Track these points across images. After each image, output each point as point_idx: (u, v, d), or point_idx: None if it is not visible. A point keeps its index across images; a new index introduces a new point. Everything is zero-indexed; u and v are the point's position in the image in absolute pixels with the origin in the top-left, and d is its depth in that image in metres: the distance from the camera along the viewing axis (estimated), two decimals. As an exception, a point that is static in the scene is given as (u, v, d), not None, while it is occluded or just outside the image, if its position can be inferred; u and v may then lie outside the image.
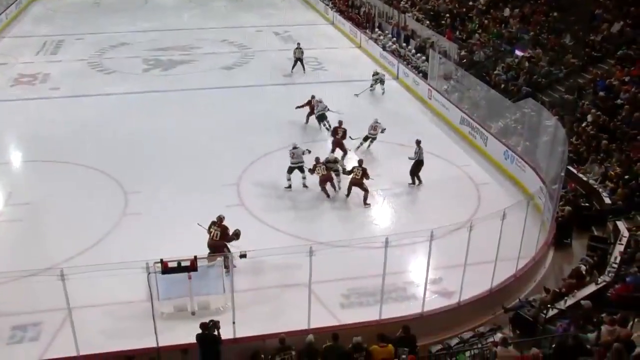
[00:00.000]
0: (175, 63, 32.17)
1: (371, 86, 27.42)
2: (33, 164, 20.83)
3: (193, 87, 28.07)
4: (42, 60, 32.43)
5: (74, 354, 11.66)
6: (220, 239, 14.36)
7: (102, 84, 28.71)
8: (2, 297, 13.00)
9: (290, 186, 18.61)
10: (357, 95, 26.62)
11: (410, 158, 19.05)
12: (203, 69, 31.15)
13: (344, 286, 14.26)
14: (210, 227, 14.58)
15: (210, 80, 29.25)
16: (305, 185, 18.72)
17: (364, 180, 17.81)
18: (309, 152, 18.83)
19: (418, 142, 19.09)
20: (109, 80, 29.43)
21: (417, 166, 19.00)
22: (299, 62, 30.45)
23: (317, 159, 18.26)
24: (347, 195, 18.22)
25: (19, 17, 42.28)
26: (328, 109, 23.00)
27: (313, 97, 23.74)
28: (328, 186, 18.24)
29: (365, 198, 17.91)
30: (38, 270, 12.72)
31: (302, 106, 23.64)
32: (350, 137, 21.13)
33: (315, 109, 23.25)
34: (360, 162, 18.35)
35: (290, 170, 18.58)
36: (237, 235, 14.54)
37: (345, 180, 18.33)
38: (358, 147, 21.54)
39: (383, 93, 27.47)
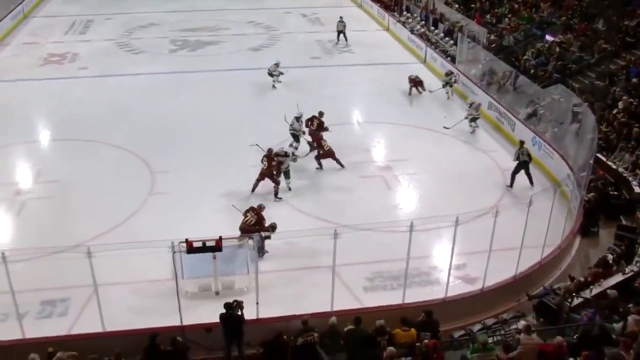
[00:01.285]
0: (203, 44, 32.27)
1: (446, 86, 25.08)
2: (62, 143, 21.07)
3: (220, 68, 28.13)
4: (71, 39, 32.73)
5: (100, 330, 11.85)
6: (254, 225, 14.37)
7: (130, 64, 28.92)
8: (31, 272, 13.20)
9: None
10: (431, 92, 25.16)
11: (514, 160, 18.05)
12: (230, 50, 31.22)
13: (367, 269, 14.26)
14: (247, 212, 14.60)
15: (237, 62, 29.31)
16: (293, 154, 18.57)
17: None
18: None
19: (521, 143, 18.16)
20: (137, 61, 29.65)
21: (519, 167, 17.69)
22: (341, 35, 31.91)
23: (269, 150, 17.49)
24: (320, 167, 18.73)
25: (49, -4, 42.60)
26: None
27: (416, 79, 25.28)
28: (264, 182, 17.25)
29: (339, 162, 18.57)
30: (66, 247, 12.92)
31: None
32: (444, 127, 21.38)
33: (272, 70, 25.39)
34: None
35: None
36: (273, 228, 14.35)
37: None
38: (473, 132, 21.51)
39: (448, 97, 24.98)
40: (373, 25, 37.01)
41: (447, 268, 13.09)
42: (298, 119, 19.85)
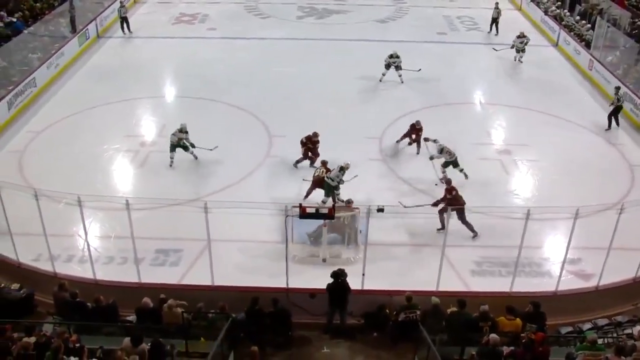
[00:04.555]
0: (330, 12, 32.34)
1: (520, 51, 25.48)
2: (186, 100, 21.82)
3: (345, 37, 28.07)
4: (203, 0, 33.60)
5: (209, 283, 12.28)
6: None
7: (257, 28, 29.44)
8: (150, 221, 13.84)
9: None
10: (496, 50, 25.32)
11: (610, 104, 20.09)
12: (357, 20, 31.06)
13: (476, 253, 13.98)
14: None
15: (363, 32, 29.08)
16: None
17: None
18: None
19: (617, 89, 20.22)
20: (264, 25, 30.15)
21: (616, 111, 19.98)
22: (494, 24, 29.54)
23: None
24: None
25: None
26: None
27: None
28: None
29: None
30: (184, 201, 13.42)
31: None
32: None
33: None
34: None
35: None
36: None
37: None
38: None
39: (518, 60, 25.57)
40: (504, 3, 35.50)
41: (561, 261, 12.58)
42: (392, 55, 22.55)
